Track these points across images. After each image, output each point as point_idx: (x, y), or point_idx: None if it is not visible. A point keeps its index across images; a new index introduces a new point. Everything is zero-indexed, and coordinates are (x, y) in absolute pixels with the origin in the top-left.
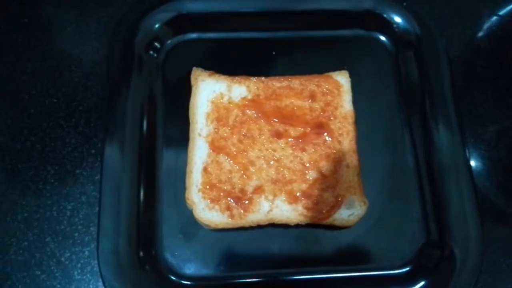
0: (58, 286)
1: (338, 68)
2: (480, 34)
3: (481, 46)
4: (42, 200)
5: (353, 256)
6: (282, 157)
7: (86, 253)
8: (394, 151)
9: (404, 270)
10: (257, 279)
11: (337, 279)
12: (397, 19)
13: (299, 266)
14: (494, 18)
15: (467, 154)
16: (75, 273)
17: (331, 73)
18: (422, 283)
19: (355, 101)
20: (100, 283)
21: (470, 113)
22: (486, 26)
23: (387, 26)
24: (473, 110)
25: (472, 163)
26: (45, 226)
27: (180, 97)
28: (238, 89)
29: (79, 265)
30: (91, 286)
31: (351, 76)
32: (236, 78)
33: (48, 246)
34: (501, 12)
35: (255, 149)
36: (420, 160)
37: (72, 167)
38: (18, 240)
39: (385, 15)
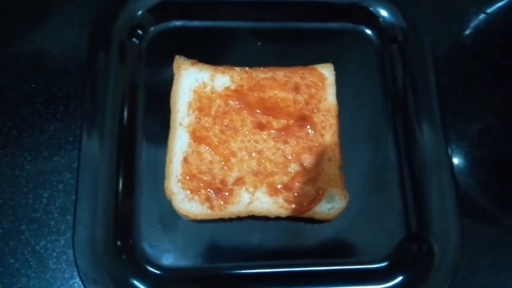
0: (33, 275)
1: (323, 60)
2: (467, 31)
3: (467, 44)
4: (18, 187)
5: (332, 249)
6: (264, 149)
7: (62, 242)
8: (377, 145)
9: (383, 264)
10: (236, 271)
11: (316, 273)
12: (384, 13)
13: (279, 259)
14: (482, 15)
15: (449, 151)
16: (50, 262)
17: (316, 66)
18: (400, 278)
19: (339, 95)
20: (76, 273)
21: (454, 110)
22: (473, 23)
23: (373, 20)
24: (456, 107)
25: (455, 160)
26: (21, 213)
27: (162, 86)
28: (221, 79)
29: (54, 254)
30: (66, 275)
31: (336, 69)
32: (220, 67)
33: (23, 234)
34: (489, 10)
35: (237, 140)
36: (402, 156)
37: (50, 154)
38: None
39: (371, 9)
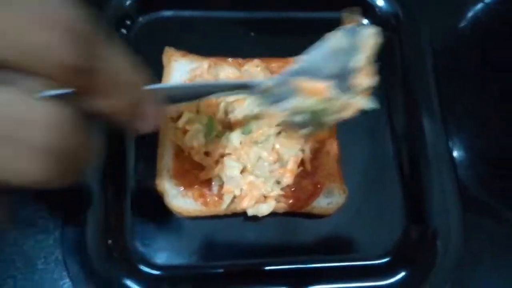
0: (20, 276)
1: None
2: (465, 22)
3: (465, 34)
4: None
5: (331, 245)
6: None
7: (51, 241)
8: (375, 139)
9: (384, 260)
10: (231, 269)
11: (314, 269)
12: (380, 3)
13: (276, 256)
14: (480, 5)
15: (450, 144)
16: (38, 262)
17: None
18: (402, 273)
19: None
20: (65, 273)
21: (452, 102)
22: (471, 13)
23: (369, 10)
24: (455, 99)
25: (454, 153)
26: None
27: (151, 77)
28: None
29: (42, 254)
30: (55, 276)
31: None
32: (212, 59)
33: (10, 233)
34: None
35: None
36: (402, 149)
37: None
38: None
39: None
